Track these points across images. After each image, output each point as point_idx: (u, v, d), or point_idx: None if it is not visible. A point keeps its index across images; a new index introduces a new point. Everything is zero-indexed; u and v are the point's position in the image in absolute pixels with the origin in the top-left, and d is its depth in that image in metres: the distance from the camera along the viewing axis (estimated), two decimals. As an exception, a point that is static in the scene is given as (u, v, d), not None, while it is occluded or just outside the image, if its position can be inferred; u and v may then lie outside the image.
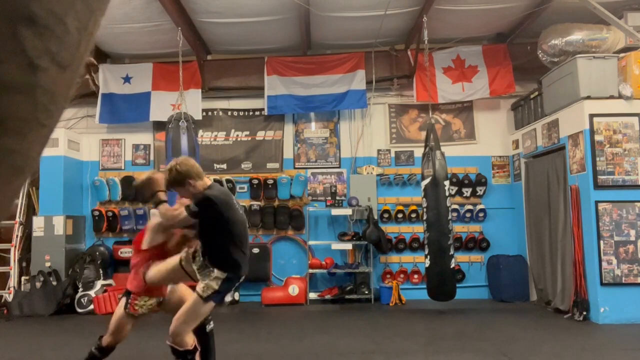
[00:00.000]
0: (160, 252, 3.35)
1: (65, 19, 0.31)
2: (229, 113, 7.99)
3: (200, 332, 3.32)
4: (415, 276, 7.45)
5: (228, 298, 7.07)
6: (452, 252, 6.09)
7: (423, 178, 6.31)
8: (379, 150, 7.82)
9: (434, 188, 6.10)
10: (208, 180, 3.19)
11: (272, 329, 5.47)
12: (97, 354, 3.42)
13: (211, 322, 3.52)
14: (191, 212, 2.98)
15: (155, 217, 3.42)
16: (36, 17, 0.30)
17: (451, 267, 6.08)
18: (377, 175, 7.62)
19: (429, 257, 6.13)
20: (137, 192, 2.83)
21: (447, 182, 6.23)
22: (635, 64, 5.73)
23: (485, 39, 7.75)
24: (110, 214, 7.59)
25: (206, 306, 3.07)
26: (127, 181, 7.66)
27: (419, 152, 7.17)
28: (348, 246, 7.22)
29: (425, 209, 6.22)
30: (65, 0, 0.31)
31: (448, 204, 6.15)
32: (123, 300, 3.38)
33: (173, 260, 3.20)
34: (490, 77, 7.49)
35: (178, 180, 3.04)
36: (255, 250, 7.38)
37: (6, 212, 0.40)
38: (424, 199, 6.22)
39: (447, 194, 6.15)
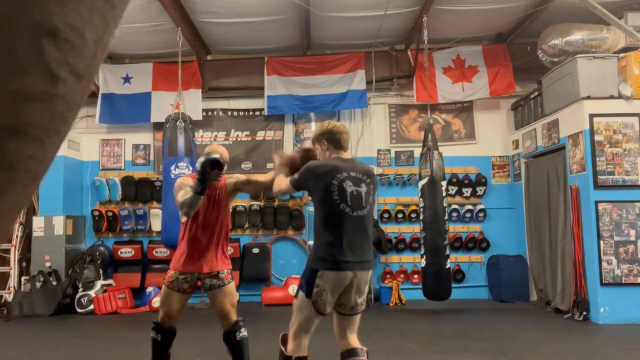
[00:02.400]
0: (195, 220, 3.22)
1: (84, 33, 0.32)
2: (229, 113, 7.99)
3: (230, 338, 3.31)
4: (415, 276, 7.45)
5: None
6: (448, 252, 6.11)
7: (420, 178, 6.32)
8: (379, 150, 7.83)
9: (431, 188, 6.11)
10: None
11: (272, 329, 5.46)
12: (156, 335, 3.26)
13: (243, 329, 3.35)
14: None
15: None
16: (58, 30, 0.31)
17: (447, 267, 6.08)
18: (377, 175, 7.62)
19: (424, 257, 6.15)
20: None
21: (444, 183, 6.24)
22: (635, 64, 5.74)
23: (485, 39, 7.76)
24: (110, 214, 7.59)
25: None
26: (127, 181, 7.67)
27: (418, 152, 7.16)
28: (348, 246, 7.22)
29: (422, 209, 6.24)
30: (84, 14, 0.32)
31: (445, 204, 6.17)
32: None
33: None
34: (490, 77, 7.50)
35: None
36: (255, 250, 7.39)
37: (17, 216, 0.41)
38: (421, 199, 6.24)
39: (444, 194, 6.16)
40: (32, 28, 0.29)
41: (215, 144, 3.80)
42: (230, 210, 3.44)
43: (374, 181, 2.85)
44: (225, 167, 3.16)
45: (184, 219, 3.23)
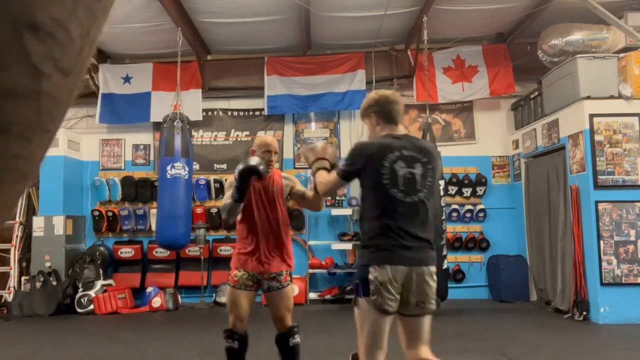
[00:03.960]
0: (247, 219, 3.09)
1: (69, 26, 0.32)
2: (229, 113, 7.99)
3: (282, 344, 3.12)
4: (415, 276, 7.44)
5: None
6: (445, 252, 6.08)
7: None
8: (379, 150, 7.81)
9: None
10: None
11: (272, 329, 5.45)
12: (232, 343, 3.11)
13: (296, 336, 3.11)
14: None
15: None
16: (40, 24, 0.30)
17: (443, 267, 6.06)
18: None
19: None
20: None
21: (442, 182, 6.23)
22: (635, 64, 5.73)
23: (485, 39, 7.75)
24: (110, 214, 7.59)
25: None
26: (127, 181, 7.66)
27: (419, 152, 7.16)
28: (348, 246, 7.22)
29: None
30: (68, 7, 0.31)
31: (442, 204, 6.15)
32: None
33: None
34: (490, 77, 7.50)
35: None
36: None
37: (8, 216, 0.40)
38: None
39: (441, 193, 6.14)
40: (11, 21, 0.29)
41: (263, 135, 3.54)
42: (286, 209, 3.24)
43: (433, 160, 2.40)
44: (275, 161, 3.10)
45: (238, 217, 3.10)
